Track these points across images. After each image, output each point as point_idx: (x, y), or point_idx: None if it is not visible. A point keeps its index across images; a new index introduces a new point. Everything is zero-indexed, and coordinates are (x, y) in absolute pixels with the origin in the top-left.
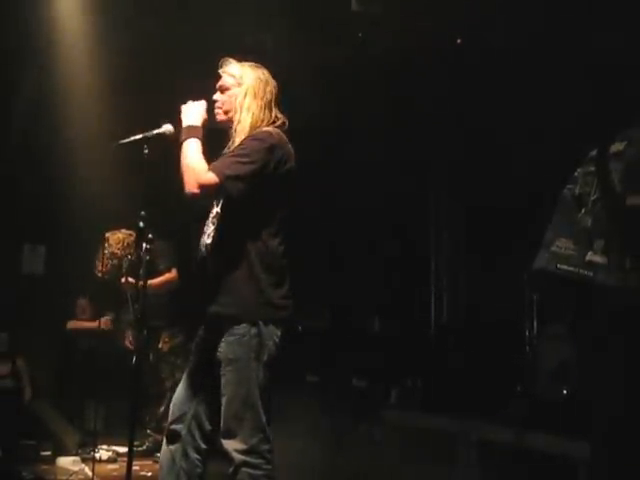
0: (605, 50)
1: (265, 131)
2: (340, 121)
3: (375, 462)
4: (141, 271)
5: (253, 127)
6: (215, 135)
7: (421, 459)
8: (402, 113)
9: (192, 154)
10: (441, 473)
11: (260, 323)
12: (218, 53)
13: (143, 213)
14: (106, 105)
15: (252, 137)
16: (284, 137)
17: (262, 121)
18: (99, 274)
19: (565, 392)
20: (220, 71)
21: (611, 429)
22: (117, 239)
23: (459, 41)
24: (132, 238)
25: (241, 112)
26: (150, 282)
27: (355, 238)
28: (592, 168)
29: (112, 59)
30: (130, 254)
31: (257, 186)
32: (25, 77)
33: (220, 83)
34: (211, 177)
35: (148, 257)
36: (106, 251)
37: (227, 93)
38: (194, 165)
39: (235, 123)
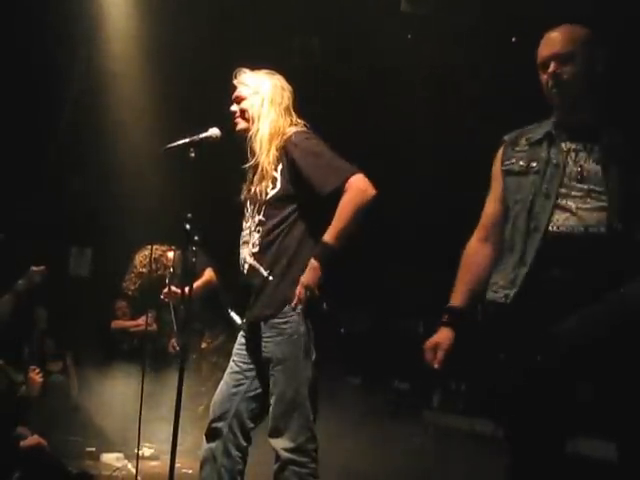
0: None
1: (306, 132)
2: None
3: (416, 463)
4: (187, 273)
5: (272, 134)
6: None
7: (462, 461)
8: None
9: (347, 220)
10: (481, 474)
11: (307, 321)
12: (267, 52)
13: (189, 215)
14: (154, 106)
15: (307, 144)
16: None
17: (281, 127)
18: (130, 293)
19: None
20: (235, 82)
21: None
22: (142, 259)
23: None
24: (159, 252)
25: (259, 120)
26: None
27: (397, 240)
28: None
29: (162, 56)
30: (158, 269)
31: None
32: (72, 76)
33: (236, 94)
34: (358, 180)
35: (194, 259)
36: (135, 270)
37: (244, 103)
38: (353, 206)
39: (254, 131)
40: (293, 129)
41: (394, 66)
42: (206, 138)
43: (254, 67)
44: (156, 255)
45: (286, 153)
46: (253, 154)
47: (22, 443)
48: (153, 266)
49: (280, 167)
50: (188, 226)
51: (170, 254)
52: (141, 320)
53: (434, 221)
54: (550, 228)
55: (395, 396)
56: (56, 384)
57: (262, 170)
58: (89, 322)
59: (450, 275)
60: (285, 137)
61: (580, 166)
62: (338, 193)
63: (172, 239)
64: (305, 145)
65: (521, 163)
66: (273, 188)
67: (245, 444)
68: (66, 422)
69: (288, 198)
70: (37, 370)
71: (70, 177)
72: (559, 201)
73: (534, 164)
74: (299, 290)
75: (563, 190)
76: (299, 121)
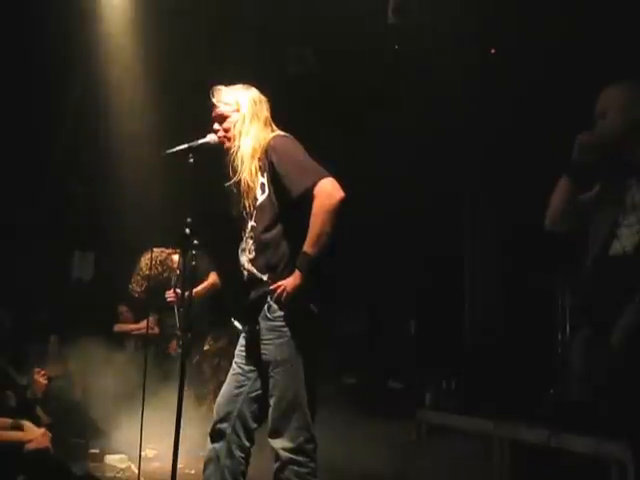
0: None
1: (285, 136)
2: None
3: (410, 462)
4: (187, 277)
5: (255, 150)
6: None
7: (456, 459)
8: (439, 122)
9: (320, 227)
10: (475, 473)
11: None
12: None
13: (189, 220)
14: (155, 111)
15: (284, 147)
16: None
17: (263, 140)
18: (136, 295)
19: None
20: (213, 100)
21: None
22: (148, 262)
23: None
24: (164, 254)
25: (241, 137)
26: (195, 290)
27: (392, 242)
28: None
29: (162, 62)
30: (165, 271)
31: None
32: (73, 81)
33: (218, 113)
34: (326, 184)
35: (194, 263)
36: (141, 272)
37: (228, 121)
38: (324, 212)
39: (235, 149)
40: (272, 134)
41: (380, 76)
42: (204, 144)
43: (252, 74)
44: (162, 258)
45: (268, 157)
46: (235, 171)
47: (26, 446)
48: (159, 268)
49: (265, 172)
50: (188, 230)
51: (175, 257)
52: (144, 323)
53: (427, 225)
54: (609, 252)
55: (389, 395)
56: (58, 387)
57: (245, 184)
58: (92, 325)
59: (442, 277)
60: (266, 142)
61: (632, 197)
62: (309, 195)
63: (174, 243)
64: (282, 148)
65: (610, 195)
66: (262, 193)
67: (248, 445)
68: (69, 424)
69: (276, 201)
70: (42, 372)
71: (72, 182)
72: (618, 230)
73: (612, 196)
74: (277, 286)
75: (620, 218)
76: (276, 129)
